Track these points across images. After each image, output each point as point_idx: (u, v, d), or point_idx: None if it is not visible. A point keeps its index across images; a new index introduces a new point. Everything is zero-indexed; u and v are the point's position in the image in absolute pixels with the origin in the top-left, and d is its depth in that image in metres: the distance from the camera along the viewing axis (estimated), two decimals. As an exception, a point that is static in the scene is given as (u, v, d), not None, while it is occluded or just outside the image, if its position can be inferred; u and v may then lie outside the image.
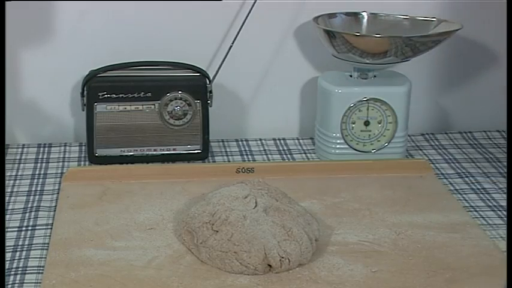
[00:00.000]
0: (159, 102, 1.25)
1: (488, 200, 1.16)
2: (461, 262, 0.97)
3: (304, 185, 1.16)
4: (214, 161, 1.29)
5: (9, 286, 0.92)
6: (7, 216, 1.09)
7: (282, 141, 1.38)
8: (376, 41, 1.23)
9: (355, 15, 1.33)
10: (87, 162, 1.27)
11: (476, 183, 1.22)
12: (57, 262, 0.96)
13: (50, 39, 1.33)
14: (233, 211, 0.97)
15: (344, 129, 1.26)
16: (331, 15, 1.31)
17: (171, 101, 1.25)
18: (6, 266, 0.97)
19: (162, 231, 1.04)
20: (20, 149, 1.32)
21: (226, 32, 1.35)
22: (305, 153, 1.33)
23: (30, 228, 1.06)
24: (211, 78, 1.28)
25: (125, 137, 1.26)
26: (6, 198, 1.14)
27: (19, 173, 1.24)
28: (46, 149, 1.33)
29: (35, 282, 0.93)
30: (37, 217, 1.09)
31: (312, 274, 0.94)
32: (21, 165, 1.27)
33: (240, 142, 1.37)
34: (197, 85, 1.27)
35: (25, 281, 0.93)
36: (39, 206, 1.12)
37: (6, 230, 1.05)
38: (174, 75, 1.28)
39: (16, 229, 1.06)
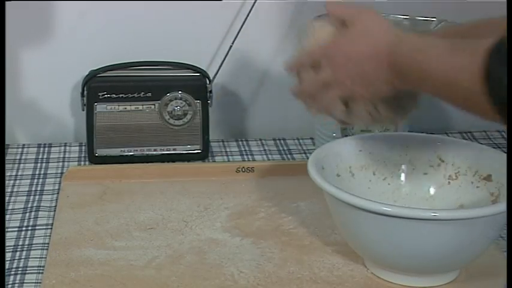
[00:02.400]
0: (159, 102, 1.25)
1: (488, 200, 1.16)
2: (461, 262, 0.97)
3: (304, 184, 1.16)
4: (214, 161, 1.29)
5: (10, 286, 0.92)
6: (7, 216, 1.09)
7: (282, 141, 1.38)
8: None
9: (355, 15, 1.33)
10: (87, 162, 1.27)
11: (476, 183, 1.21)
12: (57, 262, 0.96)
13: (50, 39, 1.33)
14: None
15: (344, 130, 1.26)
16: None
17: (171, 101, 1.25)
18: (6, 266, 0.97)
19: (162, 231, 1.04)
20: (20, 149, 1.32)
21: (226, 32, 1.35)
22: (305, 153, 1.33)
23: (30, 228, 1.06)
24: (211, 78, 1.28)
25: (125, 137, 1.26)
26: (6, 198, 1.14)
27: (19, 173, 1.24)
28: (46, 149, 1.33)
29: (35, 282, 0.93)
30: (37, 217, 1.09)
31: (312, 274, 0.94)
32: (21, 165, 1.27)
33: (240, 142, 1.37)
34: (197, 85, 1.27)
35: (25, 281, 0.93)
36: (39, 206, 1.12)
37: (6, 230, 1.05)
38: (174, 75, 1.28)
39: (16, 229, 1.06)
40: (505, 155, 0.97)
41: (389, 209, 0.86)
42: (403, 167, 1.04)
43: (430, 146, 0.99)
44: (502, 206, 0.86)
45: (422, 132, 1.40)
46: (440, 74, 0.79)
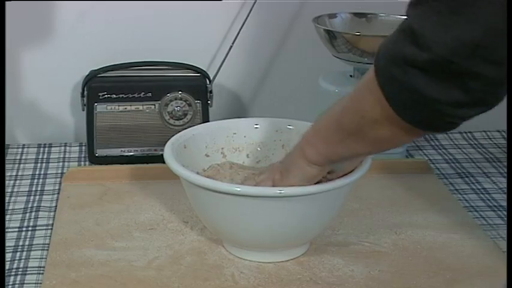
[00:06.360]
0: (159, 102, 1.25)
1: (488, 200, 1.16)
2: (462, 262, 0.97)
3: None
4: (215, 161, 1.29)
5: (10, 287, 0.92)
6: (7, 217, 1.09)
7: (282, 141, 1.38)
8: (376, 41, 1.22)
9: (355, 16, 1.33)
10: (87, 162, 1.27)
11: (476, 183, 1.22)
12: (57, 262, 0.96)
13: (50, 39, 1.33)
14: None
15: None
16: (332, 15, 1.31)
17: (171, 101, 1.25)
18: (7, 267, 0.97)
19: (162, 232, 1.04)
20: (20, 149, 1.32)
21: (226, 32, 1.35)
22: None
23: (30, 228, 1.06)
24: (211, 78, 1.28)
25: (125, 137, 1.26)
26: (7, 199, 1.14)
27: (19, 173, 1.24)
28: (46, 149, 1.33)
29: (35, 283, 0.93)
30: (37, 217, 1.09)
31: (312, 275, 0.94)
32: (22, 165, 1.27)
33: (240, 142, 1.37)
34: (197, 85, 1.27)
35: (25, 282, 0.93)
36: (40, 206, 1.12)
37: (7, 230, 1.05)
38: (174, 75, 1.28)
39: (16, 229, 1.06)
40: None
41: (240, 189, 0.89)
42: (276, 151, 1.07)
43: (302, 132, 1.00)
44: (339, 182, 0.91)
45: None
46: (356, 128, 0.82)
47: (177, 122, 1.26)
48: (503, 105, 1.25)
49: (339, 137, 0.85)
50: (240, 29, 1.28)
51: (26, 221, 1.08)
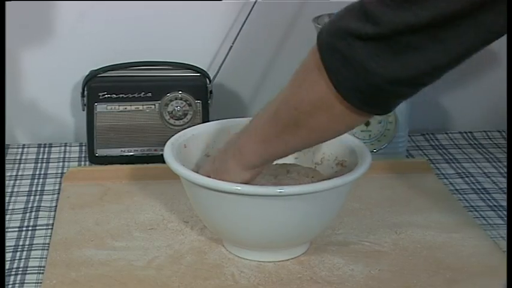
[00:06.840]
0: (159, 102, 1.25)
1: (488, 200, 1.16)
2: (462, 262, 0.97)
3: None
4: (215, 161, 1.29)
5: (10, 286, 0.92)
6: (7, 217, 1.09)
7: (282, 141, 1.38)
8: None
9: (355, 15, 1.33)
10: (87, 162, 1.27)
11: (476, 183, 1.22)
12: (57, 262, 0.96)
13: (50, 40, 1.33)
14: None
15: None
16: (331, 16, 1.31)
17: (171, 101, 1.25)
18: (7, 266, 0.97)
19: (162, 231, 1.04)
20: (20, 149, 1.32)
21: (226, 32, 1.35)
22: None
23: (30, 228, 1.06)
24: (211, 78, 1.28)
25: (125, 137, 1.26)
26: (7, 199, 1.14)
27: (19, 173, 1.24)
28: (46, 149, 1.33)
29: (35, 282, 0.93)
30: (37, 217, 1.09)
31: (312, 274, 0.94)
32: (22, 165, 1.27)
33: (240, 142, 1.37)
34: (197, 85, 1.27)
35: (25, 281, 0.94)
36: (40, 206, 1.12)
37: (7, 230, 1.05)
38: (175, 75, 1.28)
39: (16, 229, 1.06)
40: (359, 143, 1.01)
41: (240, 188, 0.89)
42: None
43: None
44: (339, 181, 0.91)
45: (423, 133, 1.40)
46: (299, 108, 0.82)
47: (177, 122, 1.26)
48: (503, 105, 1.25)
49: (275, 131, 0.85)
50: (240, 29, 1.28)
51: (26, 220, 1.08)
